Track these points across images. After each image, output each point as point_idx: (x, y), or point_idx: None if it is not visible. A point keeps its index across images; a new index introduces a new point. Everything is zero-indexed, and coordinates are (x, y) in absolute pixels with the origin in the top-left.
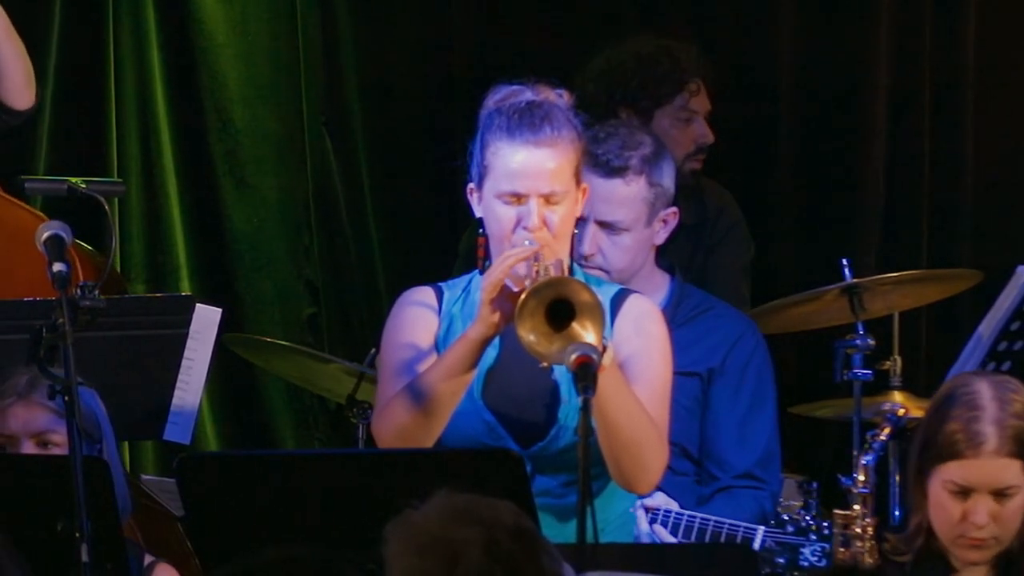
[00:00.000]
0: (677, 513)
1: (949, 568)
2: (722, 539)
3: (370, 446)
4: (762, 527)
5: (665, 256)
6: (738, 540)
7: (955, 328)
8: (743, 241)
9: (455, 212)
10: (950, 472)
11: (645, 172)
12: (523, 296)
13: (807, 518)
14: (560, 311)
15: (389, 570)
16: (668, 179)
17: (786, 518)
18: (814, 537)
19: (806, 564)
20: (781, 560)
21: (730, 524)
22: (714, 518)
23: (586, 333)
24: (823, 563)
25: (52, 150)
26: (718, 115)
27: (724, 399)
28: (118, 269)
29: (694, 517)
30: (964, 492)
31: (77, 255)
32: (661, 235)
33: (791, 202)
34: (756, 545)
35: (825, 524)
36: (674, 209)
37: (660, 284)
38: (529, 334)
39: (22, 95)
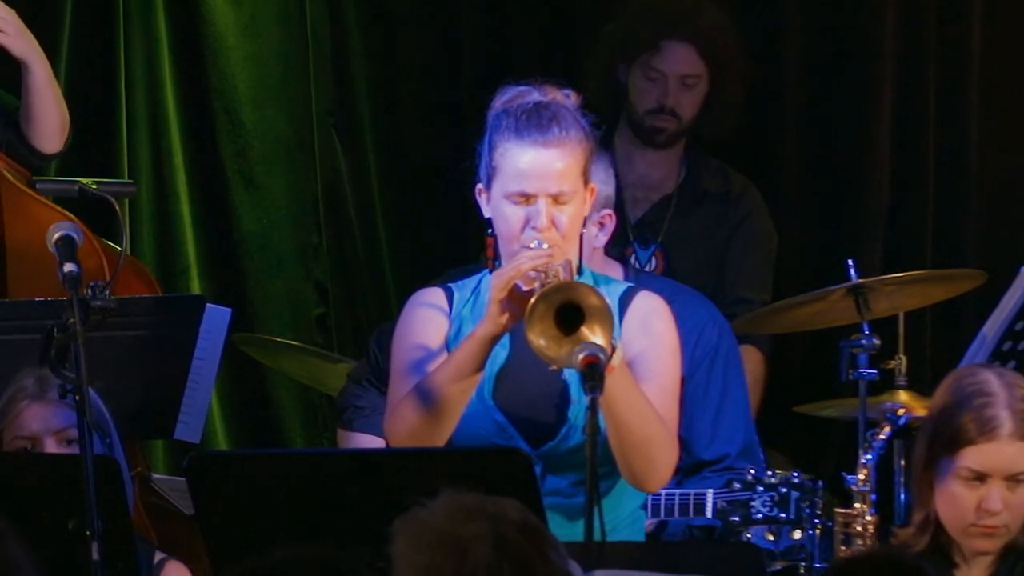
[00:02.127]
0: None
1: (952, 562)
2: (675, 512)
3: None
4: (711, 490)
5: (691, 221)
6: (690, 508)
7: (959, 328)
8: (766, 225)
9: (464, 213)
10: (965, 459)
11: None
12: (532, 301)
13: (752, 472)
14: (569, 315)
15: (397, 567)
16: (599, 182)
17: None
18: (761, 489)
19: (760, 516)
20: (735, 518)
21: (680, 493)
22: (664, 491)
23: (595, 337)
24: (775, 511)
25: (63, 151)
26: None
27: (695, 400)
28: None
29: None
30: (979, 479)
31: (106, 255)
32: (600, 238)
33: (797, 203)
34: (708, 509)
35: (770, 473)
36: (610, 211)
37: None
38: (539, 338)
39: (52, 141)
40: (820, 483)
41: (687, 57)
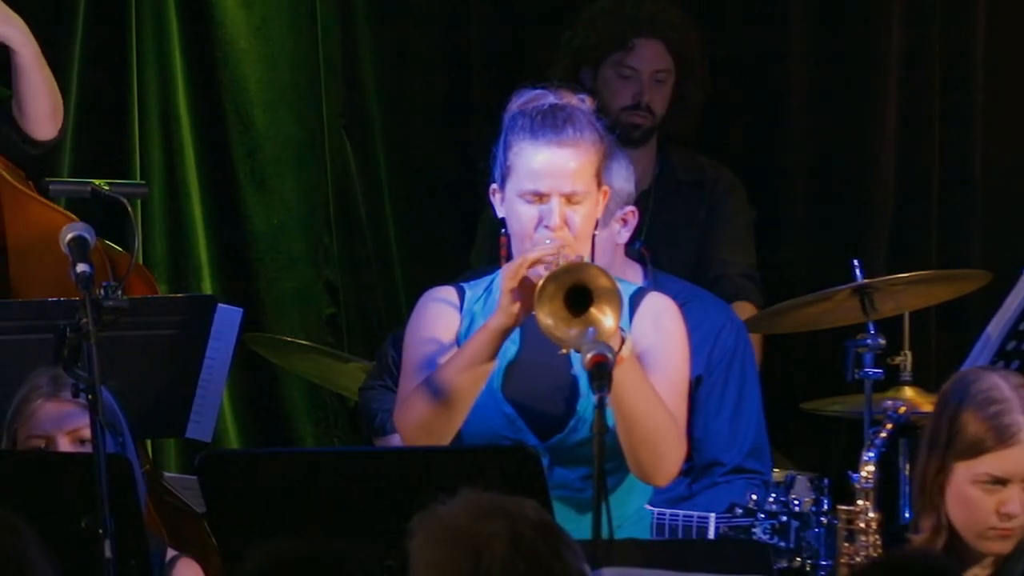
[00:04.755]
0: None
1: (963, 564)
2: (679, 532)
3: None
4: (713, 514)
5: (670, 213)
6: (693, 530)
7: (964, 328)
8: (743, 201)
9: (472, 213)
10: (984, 466)
11: None
12: (542, 281)
13: (753, 498)
14: (579, 297)
15: (414, 562)
16: (621, 179)
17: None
18: (762, 516)
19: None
20: None
21: (684, 515)
22: (669, 511)
23: (604, 317)
24: (775, 539)
25: (76, 152)
26: (728, 115)
27: (712, 401)
28: None
29: (650, 512)
30: (998, 484)
31: (109, 257)
32: (623, 234)
33: (802, 204)
34: (711, 532)
35: (771, 498)
36: (632, 208)
37: (632, 278)
38: (547, 318)
39: (44, 126)
40: (826, 480)
41: (658, 52)
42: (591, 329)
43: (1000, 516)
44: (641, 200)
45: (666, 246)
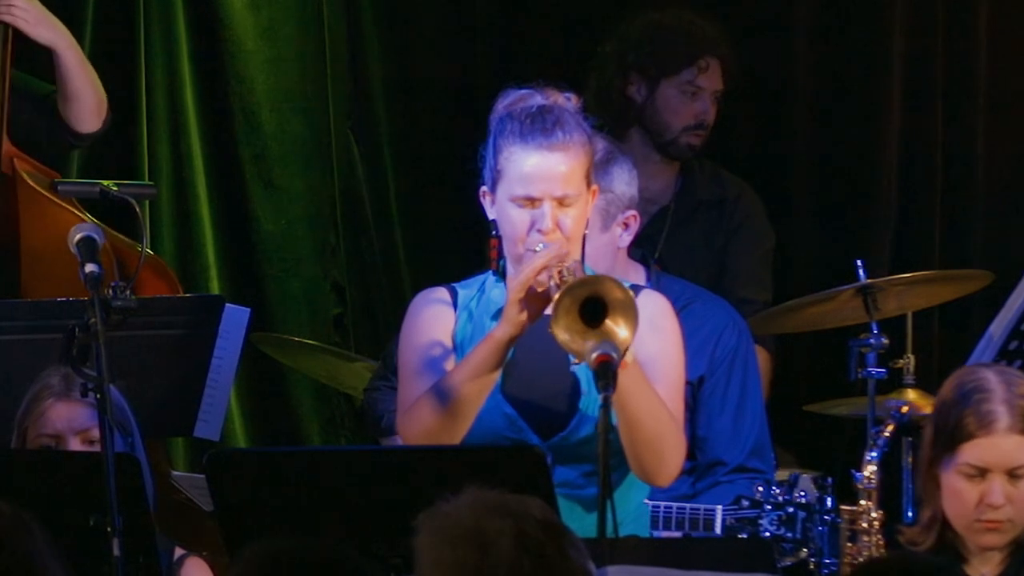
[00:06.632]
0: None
1: (961, 558)
2: (686, 525)
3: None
4: (720, 506)
5: (689, 232)
6: (700, 523)
7: (967, 328)
8: (763, 227)
9: (477, 213)
10: (964, 455)
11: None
12: (558, 295)
13: (759, 489)
14: (593, 309)
15: (419, 559)
16: (622, 184)
17: (743, 495)
18: (769, 508)
19: (767, 534)
20: (744, 535)
21: (691, 508)
22: (676, 504)
23: (619, 329)
24: (781, 530)
25: (84, 153)
26: (733, 116)
27: (715, 401)
28: None
29: (657, 507)
30: (979, 474)
31: (118, 251)
32: (625, 238)
33: (806, 204)
34: (718, 525)
35: (777, 490)
36: (634, 212)
37: (634, 280)
38: (564, 332)
39: (89, 120)
40: (830, 479)
41: (719, 73)
42: (606, 342)
43: (984, 507)
44: (659, 217)
45: (681, 264)
